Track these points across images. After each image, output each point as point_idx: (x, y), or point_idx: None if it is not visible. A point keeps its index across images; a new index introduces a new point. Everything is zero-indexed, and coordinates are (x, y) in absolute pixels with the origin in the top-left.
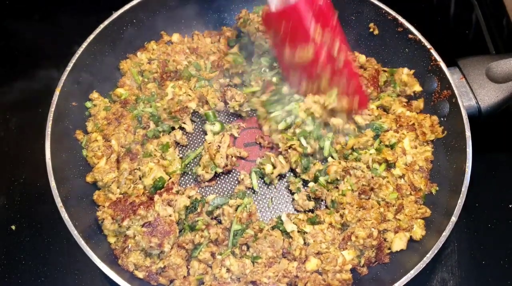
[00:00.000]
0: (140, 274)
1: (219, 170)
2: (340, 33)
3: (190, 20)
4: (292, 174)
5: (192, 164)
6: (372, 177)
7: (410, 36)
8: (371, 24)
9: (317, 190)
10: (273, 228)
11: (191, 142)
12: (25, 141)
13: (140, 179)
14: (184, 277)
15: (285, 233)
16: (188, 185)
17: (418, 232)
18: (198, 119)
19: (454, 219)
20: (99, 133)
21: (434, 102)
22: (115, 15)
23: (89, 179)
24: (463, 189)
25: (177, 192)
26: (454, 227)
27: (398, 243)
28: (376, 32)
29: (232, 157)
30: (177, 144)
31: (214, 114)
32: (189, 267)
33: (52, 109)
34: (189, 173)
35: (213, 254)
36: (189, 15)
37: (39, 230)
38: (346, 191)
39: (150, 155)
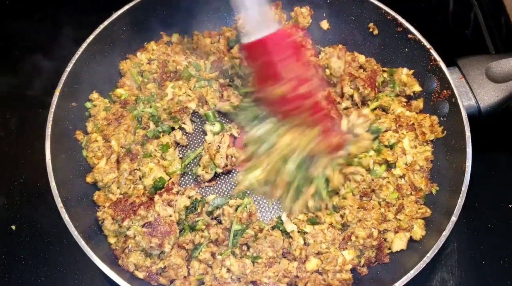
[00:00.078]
0: (141, 274)
1: (219, 170)
2: (315, 69)
3: (190, 21)
4: None
5: (192, 164)
6: (372, 180)
7: (409, 36)
8: (371, 24)
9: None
10: (273, 228)
11: (191, 142)
12: (25, 141)
13: (140, 179)
14: (185, 277)
15: (285, 233)
16: (188, 185)
17: (418, 232)
18: (198, 120)
19: (454, 218)
20: (99, 133)
21: (433, 102)
22: (115, 15)
23: (89, 179)
24: (463, 189)
25: (177, 192)
26: (454, 227)
27: (398, 243)
28: (375, 32)
29: (232, 157)
30: (177, 144)
31: (214, 114)
32: (189, 267)
33: (52, 109)
34: (189, 173)
35: (213, 254)
36: (189, 16)
37: (39, 230)
38: (347, 194)
39: (150, 155)
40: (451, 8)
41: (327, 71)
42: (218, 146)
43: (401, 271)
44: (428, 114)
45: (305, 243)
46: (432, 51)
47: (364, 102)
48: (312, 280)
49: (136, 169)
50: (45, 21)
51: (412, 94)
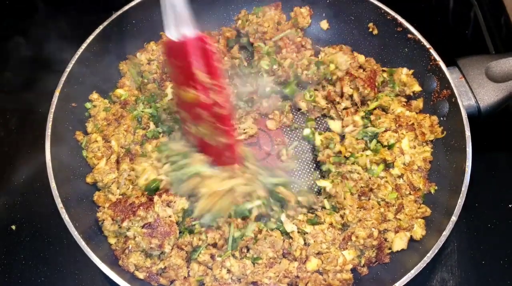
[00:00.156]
0: (141, 275)
1: None
2: (225, 89)
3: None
4: None
5: None
6: (370, 178)
7: (409, 36)
8: (370, 24)
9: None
10: (272, 229)
11: None
12: (25, 141)
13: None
14: (185, 277)
15: (285, 233)
16: None
17: (419, 231)
18: None
19: (454, 218)
20: (99, 134)
21: (433, 102)
22: (115, 15)
23: (89, 179)
24: (463, 189)
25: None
26: (454, 227)
27: (399, 242)
28: (375, 32)
29: None
30: None
31: None
32: (189, 268)
33: (52, 110)
34: None
35: (212, 256)
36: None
37: (39, 230)
38: (346, 194)
39: (145, 156)
40: (451, 8)
41: (332, 66)
42: None
43: (401, 271)
44: (428, 115)
45: (305, 243)
46: (432, 51)
47: (363, 102)
48: (313, 280)
49: (132, 170)
50: (45, 21)
51: (412, 94)
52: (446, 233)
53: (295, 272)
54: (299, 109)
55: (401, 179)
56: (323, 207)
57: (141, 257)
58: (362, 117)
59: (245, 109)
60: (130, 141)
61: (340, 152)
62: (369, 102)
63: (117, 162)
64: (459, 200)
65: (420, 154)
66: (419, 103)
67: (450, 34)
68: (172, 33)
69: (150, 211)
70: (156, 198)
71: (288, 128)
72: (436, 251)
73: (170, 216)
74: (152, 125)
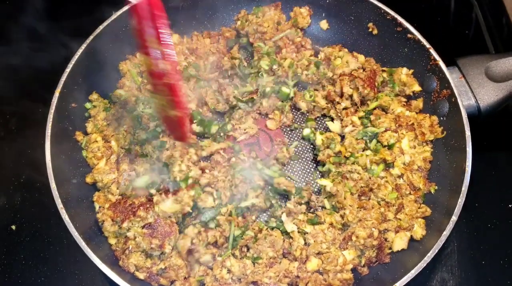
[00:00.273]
0: (141, 275)
1: None
2: (173, 57)
3: (189, 21)
4: None
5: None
6: (370, 178)
7: (409, 35)
8: (370, 24)
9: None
10: (272, 228)
11: None
12: (25, 141)
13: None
14: (185, 278)
15: (285, 233)
16: None
17: (419, 231)
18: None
19: (454, 218)
20: (99, 134)
21: (433, 102)
22: (115, 15)
23: (89, 180)
24: (463, 189)
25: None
26: (454, 227)
27: (399, 242)
28: (375, 32)
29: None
30: None
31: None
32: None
33: (52, 110)
34: None
35: (213, 256)
36: (188, 16)
37: (39, 230)
38: (346, 194)
39: (146, 156)
40: (451, 8)
41: (338, 60)
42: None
43: (401, 271)
44: (428, 115)
45: (305, 243)
46: (432, 51)
47: (363, 102)
48: (313, 280)
49: (132, 170)
50: (45, 21)
51: (411, 94)
52: (446, 233)
53: (295, 272)
54: (299, 109)
55: (401, 178)
56: (323, 207)
57: (141, 258)
58: (361, 118)
59: (245, 109)
60: (130, 142)
61: (340, 152)
62: (369, 102)
63: (117, 162)
64: (459, 200)
65: (420, 154)
66: (419, 103)
67: (450, 34)
68: None
69: (150, 211)
70: (156, 198)
71: (288, 128)
72: (437, 251)
73: (170, 216)
74: (152, 126)
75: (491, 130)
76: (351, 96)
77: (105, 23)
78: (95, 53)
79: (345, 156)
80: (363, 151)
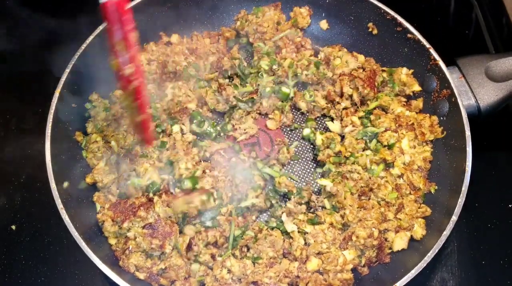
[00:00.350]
0: (141, 275)
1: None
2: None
3: (189, 21)
4: None
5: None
6: (370, 178)
7: (409, 35)
8: (370, 24)
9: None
10: (272, 228)
11: None
12: (25, 141)
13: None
14: (185, 278)
15: (285, 233)
16: None
17: (419, 231)
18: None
19: (454, 218)
20: (99, 134)
21: (433, 102)
22: None
23: (89, 180)
24: (463, 188)
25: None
26: (454, 227)
27: (399, 242)
28: (375, 32)
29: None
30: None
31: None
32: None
33: (52, 110)
34: None
35: (213, 256)
36: (188, 16)
37: (39, 230)
38: (346, 194)
39: (147, 156)
40: (451, 8)
41: (338, 60)
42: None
43: (401, 271)
44: (428, 115)
45: (305, 243)
46: (432, 51)
47: (363, 102)
48: (313, 280)
49: (132, 170)
50: (45, 21)
51: (411, 94)
52: (446, 232)
53: (296, 272)
54: (299, 109)
55: (401, 178)
56: (323, 207)
57: (141, 258)
58: (361, 118)
59: (245, 109)
60: (130, 142)
61: (340, 152)
62: (368, 102)
63: (117, 162)
64: (459, 200)
65: (420, 154)
66: (419, 103)
67: (450, 34)
68: None
69: (150, 212)
70: (156, 198)
71: (288, 128)
72: (437, 251)
73: (170, 216)
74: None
75: (491, 130)
76: (351, 96)
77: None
78: (95, 53)
79: (345, 156)
80: (363, 150)
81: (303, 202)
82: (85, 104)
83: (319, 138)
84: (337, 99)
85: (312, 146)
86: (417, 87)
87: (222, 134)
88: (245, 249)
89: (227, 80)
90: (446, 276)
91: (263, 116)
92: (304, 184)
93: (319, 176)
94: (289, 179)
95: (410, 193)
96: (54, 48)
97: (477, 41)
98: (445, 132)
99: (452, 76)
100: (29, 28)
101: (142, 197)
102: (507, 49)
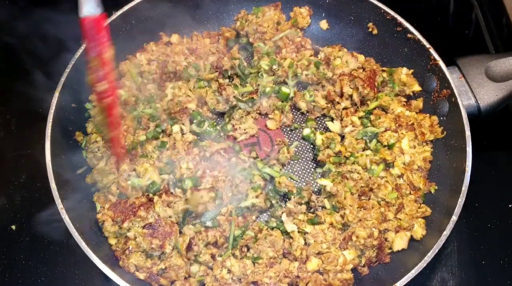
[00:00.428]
0: (141, 275)
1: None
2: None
3: (189, 21)
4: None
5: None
6: (370, 178)
7: (409, 35)
8: (370, 24)
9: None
10: (272, 228)
11: None
12: (25, 141)
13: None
14: (185, 278)
15: (285, 233)
16: None
17: (419, 231)
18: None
19: (454, 218)
20: (99, 134)
21: (433, 102)
22: (115, 16)
23: (89, 180)
24: (463, 188)
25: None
26: (454, 227)
27: (399, 242)
28: (375, 32)
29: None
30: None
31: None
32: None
33: (52, 110)
34: None
35: (213, 256)
36: (188, 16)
37: (39, 230)
38: (346, 194)
39: (147, 156)
40: (451, 8)
41: (338, 60)
42: None
43: (401, 271)
44: (428, 115)
45: (305, 243)
46: (432, 51)
47: (363, 102)
48: (313, 280)
49: (133, 170)
50: (44, 21)
51: (411, 94)
52: (446, 232)
53: (296, 272)
54: (299, 109)
55: (401, 178)
56: (323, 207)
57: (141, 258)
58: (361, 118)
59: (245, 109)
60: (130, 142)
61: (340, 152)
62: (368, 102)
63: (117, 162)
64: (459, 200)
65: (420, 154)
66: (419, 103)
67: (450, 34)
68: (81, 9)
69: (150, 212)
70: (156, 198)
71: (288, 128)
72: (437, 251)
73: (170, 216)
74: (152, 126)
75: (491, 130)
76: (351, 96)
77: (105, 23)
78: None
79: (345, 156)
80: (363, 150)
81: (303, 202)
82: (85, 104)
83: (319, 138)
84: (337, 99)
85: (312, 146)
86: (417, 87)
87: (222, 134)
88: (245, 249)
89: (227, 80)
90: (446, 276)
91: (263, 116)
92: (304, 184)
93: (319, 176)
94: (289, 179)
95: (410, 193)
96: (54, 48)
97: (477, 41)
98: (445, 132)
99: (452, 76)
100: (30, 26)
101: (142, 197)
102: (507, 49)
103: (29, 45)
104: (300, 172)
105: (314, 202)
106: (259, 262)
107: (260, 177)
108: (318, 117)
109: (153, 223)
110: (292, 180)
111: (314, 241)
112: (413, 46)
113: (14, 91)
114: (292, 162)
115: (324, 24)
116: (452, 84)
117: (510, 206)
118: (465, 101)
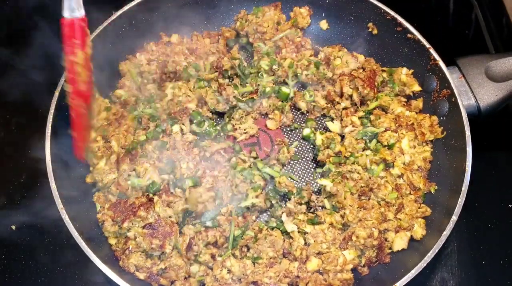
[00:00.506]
0: (141, 275)
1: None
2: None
3: (189, 21)
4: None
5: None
6: (370, 178)
7: (409, 35)
8: (370, 24)
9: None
10: (272, 228)
11: None
12: (25, 141)
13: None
14: (185, 278)
15: (285, 233)
16: None
17: (419, 231)
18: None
19: (454, 218)
20: (99, 134)
21: (433, 102)
22: (115, 15)
23: (89, 179)
24: (463, 188)
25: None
26: (454, 227)
27: (399, 242)
28: (375, 32)
29: None
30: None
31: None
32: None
33: (52, 110)
34: None
35: (213, 256)
36: (188, 16)
37: (39, 230)
38: (346, 194)
39: (146, 156)
40: (451, 8)
41: (338, 60)
42: None
43: (401, 271)
44: (428, 115)
45: (305, 243)
46: (432, 51)
47: (363, 102)
48: (313, 280)
49: (132, 170)
50: (44, 21)
51: (411, 94)
52: (446, 232)
53: (296, 272)
54: (299, 109)
55: (401, 178)
56: (323, 207)
57: (141, 258)
58: (361, 118)
59: (245, 109)
60: (130, 142)
61: (340, 152)
62: (368, 102)
63: (117, 162)
64: (459, 200)
65: (420, 154)
66: (419, 103)
67: (450, 34)
68: (64, 10)
69: (150, 211)
70: (156, 198)
71: (288, 128)
72: (437, 251)
73: (170, 216)
74: (152, 126)
75: (491, 130)
76: (351, 96)
77: (105, 23)
78: (95, 53)
79: (345, 156)
80: (363, 150)
81: (303, 202)
82: None
83: (319, 138)
84: (337, 99)
85: (312, 146)
86: (417, 87)
87: (222, 134)
88: (245, 249)
89: (227, 80)
90: (446, 276)
91: (263, 116)
92: (304, 184)
93: (319, 176)
94: (289, 179)
95: (410, 193)
96: (54, 48)
97: (477, 41)
98: (445, 132)
99: (452, 76)
100: (28, 27)
101: (142, 197)
102: (507, 49)
103: (29, 45)
104: (300, 172)
105: (314, 202)
106: (259, 262)
107: (260, 177)
108: (318, 117)
109: (153, 223)
110: (292, 180)
111: (314, 241)
112: (413, 46)
113: (14, 91)
114: (292, 162)
115: (324, 24)
116: (452, 84)
117: (510, 206)
118: (465, 101)
